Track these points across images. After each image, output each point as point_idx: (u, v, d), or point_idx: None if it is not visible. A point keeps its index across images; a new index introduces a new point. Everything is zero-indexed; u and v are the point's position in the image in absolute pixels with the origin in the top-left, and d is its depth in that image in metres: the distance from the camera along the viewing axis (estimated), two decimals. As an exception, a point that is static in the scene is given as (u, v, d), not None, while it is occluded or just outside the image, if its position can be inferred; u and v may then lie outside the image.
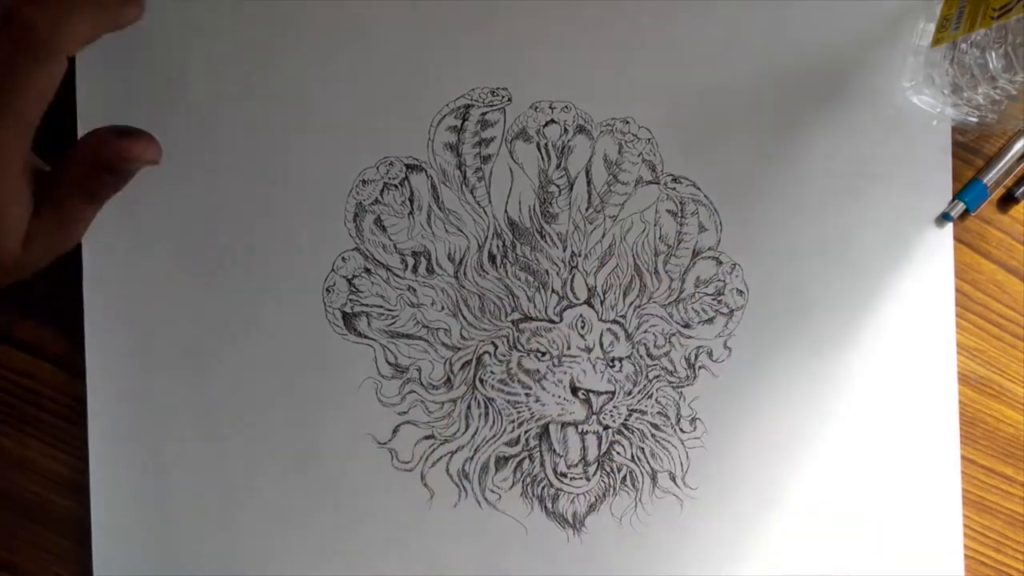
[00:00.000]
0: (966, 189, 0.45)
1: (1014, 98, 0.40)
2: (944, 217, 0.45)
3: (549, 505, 0.43)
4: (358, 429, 0.42)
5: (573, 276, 0.43)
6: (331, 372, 0.42)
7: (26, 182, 0.35)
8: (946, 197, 0.45)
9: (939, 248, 0.45)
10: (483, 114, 0.43)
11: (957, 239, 0.46)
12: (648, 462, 0.43)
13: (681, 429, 0.44)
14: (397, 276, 0.43)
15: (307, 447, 0.42)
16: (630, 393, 0.43)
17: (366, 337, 0.43)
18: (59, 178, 0.35)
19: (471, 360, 0.43)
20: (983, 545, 0.45)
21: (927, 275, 0.45)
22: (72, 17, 0.33)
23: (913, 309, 0.45)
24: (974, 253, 0.46)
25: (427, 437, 0.43)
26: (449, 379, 0.43)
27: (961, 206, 0.45)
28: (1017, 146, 0.46)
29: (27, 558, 0.42)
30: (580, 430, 0.43)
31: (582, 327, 0.43)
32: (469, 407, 0.43)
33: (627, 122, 0.44)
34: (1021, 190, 0.46)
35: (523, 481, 0.43)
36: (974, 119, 0.44)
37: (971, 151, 0.46)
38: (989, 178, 0.45)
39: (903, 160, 0.45)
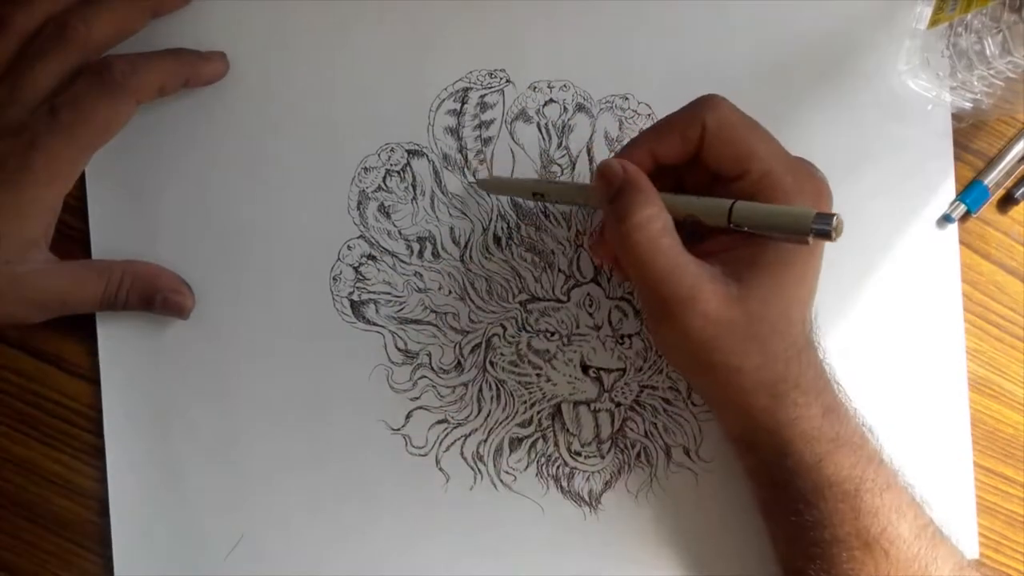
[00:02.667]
0: (967, 190, 0.45)
1: (1010, 81, 0.40)
2: (946, 219, 0.45)
3: (564, 484, 0.43)
4: (371, 416, 0.42)
5: (579, 255, 0.43)
6: (341, 361, 0.42)
7: (52, 211, 0.39)
8: (946, 182, 0.45)
9: (944, 250, 0.45)
10: (482, 96, 0.43)
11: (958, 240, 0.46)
12: (661, 437, 0.44)
13: (693, 403, 0.44)
14: (403, 262, 0.43)
15: (321, 437, 0.42)
16: (641, 369, 0.43)
17: (375, 324, 0.43)
18: (112, 262, 0.41)
19: (481, 343, 0.43)
20: (983, 546, 0.45)
21: (932, 275, 0.45)
22: (150, 67, 0.38)
23: (920, 306, 0.45)
24: (973, 254, 0.46)
25: (440, 421, 0.43)
26: (459, 363, 0.43)
27: (962, 207, 0.45)
28: (1018, 147, 0.46)
29: (27, 559, 0.42)
30: (592, 408, 0.43)
31: (590, 305, 0.43)
32: (480, 390, 0.43)
33: (626, 98, 0.44)
34: (1021, 191, 0.46)
35: (538, 461, 0.43)
36: (970, 104, 0.43)
37: (971, 151, 0.46)
38: (990, 179, 0.45)
39: (900, 144, 0.45)
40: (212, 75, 0.41)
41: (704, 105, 0.37)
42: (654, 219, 0.35)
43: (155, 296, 0.40)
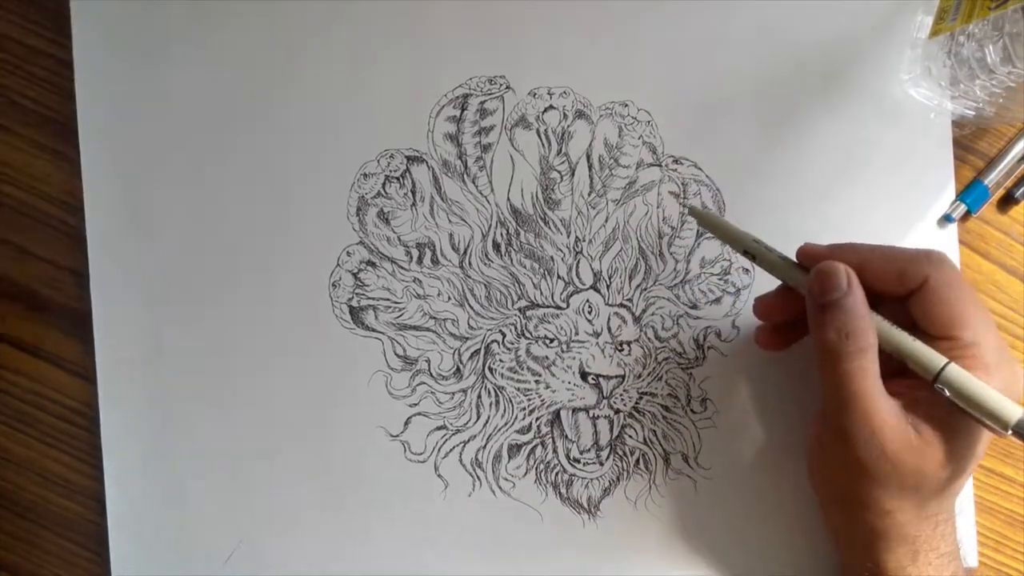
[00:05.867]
0: (967, 190, 0.45)
1: (1012, 91, 0.40)
2: (946, 219, 0.45)
3: (563, 490, 0.43)
4: (370, 422, 0.42)
5: (578, 261, 0.43)
6: (340, 367, 0.42)
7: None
8: (947, 190, 0.45)
9: (943, 250, 0.45)
10: (482, 103, 0.43)
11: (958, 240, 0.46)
12: (660, 444, 0.44)
13: (692, 410, 0.44)
14: (402, 268, 0.43)
15: (320, 442, 0.42)
16: (640, 376, 0.43)
17: (374, 330, 0.43)
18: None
19: (480, 349, 0.43)
20: (983, 545, 0.45)
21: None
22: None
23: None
24: (973, 253, 0.46)
25: (439, 428, 0.43)
26: (458, 369, 0.43)
27: (962, 208, 0.45)
28: (1018, 147, 0.46)
29: (27, 558, 0.42)
30: (591, 415, 0.43)
31: (589, 312, 0.43)
32: (479, 396, 0.43)
33: (626, 105, 0.44)
34: (1021, 191, 0.46)
35: (536, 468, 0.43)
36: (971, 112, 0.43)
37: (972, 152, 0.46)
38: (990, 179, 0.45)
39: (901, 152, 0.45)
40: None
41: (931, 259, 0.37)
42: (872, 348, 0.36)
43: None
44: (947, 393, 0.35)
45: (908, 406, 0.37)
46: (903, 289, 0.37)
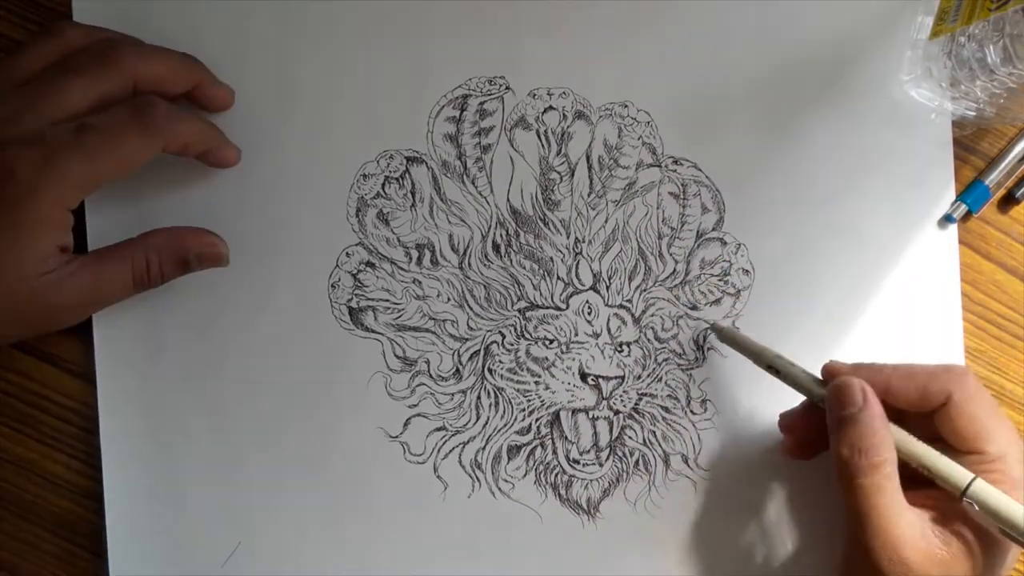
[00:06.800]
0: (968, 190, 0.45)
1: (1012, 92, 0.40)
2: (947, 219, 0.45)
3: (563, 492, 0.43)
4: (369, 424, 0.42)
5: (578, 262, 0.43)
6: (340, 368, 0.42)
7: (64, 225, 0.37)
8: (947, 191, 0.45)
9: (944, 251, 0.45)
10: (481, 103, 0.43)
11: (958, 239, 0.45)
12: (660, 445, 0.44)
13: (692, 411, 0.44)
14: (402, 269, 0.43)
15: (319, 443, 0.42)
16: (639, 377, 0.43)
17: (373, 331, 0.43)
18: (130, 241, 0.39)
19: (479, 350, 0.43)
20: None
21: (932, 276, 0.45)
22: (188, 123, 0.38)
23: (919, 307, 0.45)
24: (974, 253, 0.46)
25: (438, 429, 0.43)
26: (458, 370, 0.43)
27: (963, 208, 0.45)
28: (1018, 147, 0.46)
29: (26, 559, 0.42)
30: (591, 416, 0.43)
31: (589, 313, 0.43)
32: (479, 397, 0.43)
33: (626, 106, 0.44)
34: (1022, 191, 0.46)
35: (536, 469, 0.43)
36: (972, 113, 0.43)
37: (973, 152, 0.46)
38: (991, 179, 0.45)
39: (902, 153, 0.45)
40: (224, 160, 0.41)
41: (953, 374, 0.37)
42: (888, 464, 0.36)
43: (188, 258, 0.39)
44: (976, 508, 0.35)
45: (937, 519, 0.37)
46: (926, 407, 0.38)
